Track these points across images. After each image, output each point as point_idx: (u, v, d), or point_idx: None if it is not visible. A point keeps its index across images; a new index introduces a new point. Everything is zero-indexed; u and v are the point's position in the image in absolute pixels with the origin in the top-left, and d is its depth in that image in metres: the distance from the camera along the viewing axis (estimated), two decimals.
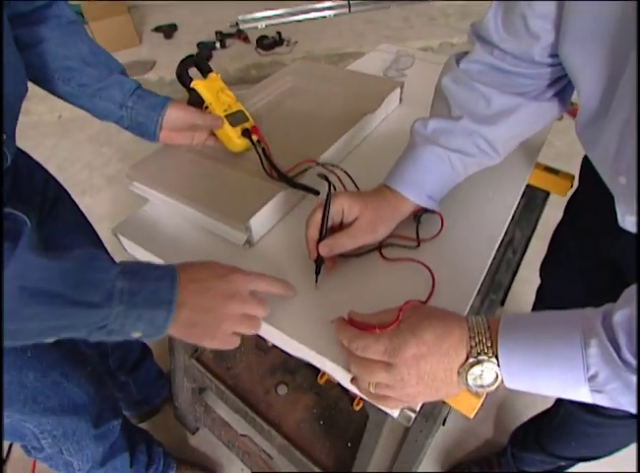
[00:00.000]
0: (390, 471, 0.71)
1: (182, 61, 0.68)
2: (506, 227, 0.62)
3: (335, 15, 3.11)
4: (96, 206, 1.97)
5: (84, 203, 2.07)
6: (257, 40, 2.77)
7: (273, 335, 0.51)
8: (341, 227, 0.54)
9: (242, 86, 2.61)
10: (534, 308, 1.02)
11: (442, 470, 1.12)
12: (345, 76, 0.90)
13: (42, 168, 0.73)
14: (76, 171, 2.17)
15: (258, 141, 0.67)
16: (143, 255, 0.61)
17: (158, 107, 0.64)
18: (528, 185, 0.73)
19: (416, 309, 0.43)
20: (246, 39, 2.84)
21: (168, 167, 0.67)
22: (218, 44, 2.80)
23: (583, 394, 0.35)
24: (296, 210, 0.65)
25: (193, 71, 0.69)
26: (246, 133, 0.66)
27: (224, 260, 0.57)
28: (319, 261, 0.53)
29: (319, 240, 0.52)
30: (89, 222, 0.84)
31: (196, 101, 0.67)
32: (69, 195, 0.78)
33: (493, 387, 0.38)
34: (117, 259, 0.43)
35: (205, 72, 0.69)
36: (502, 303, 1.28)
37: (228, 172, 0.64)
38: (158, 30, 3.02)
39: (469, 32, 0.56)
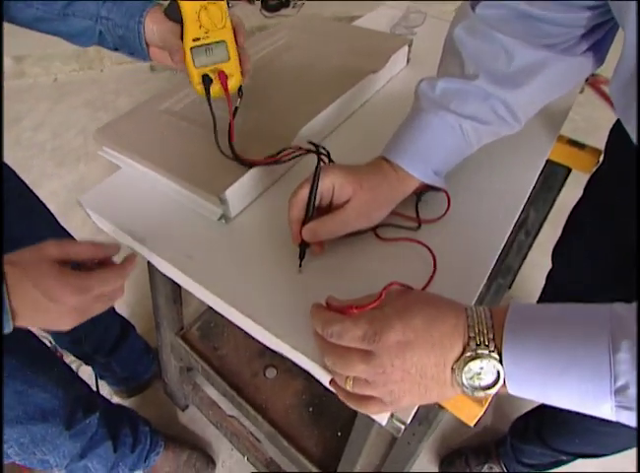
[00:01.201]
0: (379, 471, 0.66)
1: None
2: (522, 207, 0.54)
3: None
4: (90, 174, 1.90)
5: (78, 171, 2.02)
6: (262, 1, 2.61)
7: (247, 325, 0.45)
8: (330, 207, 0.46)
9: None
10: (543, 294, 0.96)
11: (438, 455, 1.09)
12: (347, 32, 0.80)
13: None
14: (70, 138, 2.09)
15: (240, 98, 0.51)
16: (110, 229, 0.54)
17: (136, 13, 0.50)
18: (548, 160, 0.64)
19: (405, 293, 0.37)
20: (251, 0, 2.69)
21: (141, 129, 0.59)
22: None
23: (605, 411, 0.29)
24: (282, 181, 0.58)
25: None
26: (206, 80, 0.49)
27: (199, 237, 0.51)
28: (303, 245, 0.46)
29: (304, 222, 0.45)
30: (39, 200, 0.76)
31: (175, 17, 0.49)
32: (14, 173, 0.71)
33: (492, 391, 0.31)
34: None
35: None
36: (509, 286, 1.21)
37: (206, 137, 0.56)
38: None
39: None
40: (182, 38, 0.49)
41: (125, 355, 1.04)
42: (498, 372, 0.31)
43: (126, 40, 0.52)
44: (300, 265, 0.46)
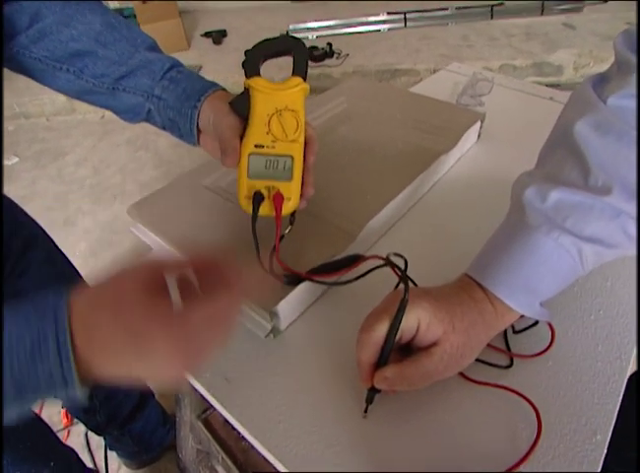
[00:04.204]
0: None
1: (267, 40, 0.41)
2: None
3: (389, 29, 2.96)
4: (124, 214, 1.89)
5: (113, 209, 2.02)
6: None
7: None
8: (408, 343, 0.37)
9: None
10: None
11: None
12: (410, 100, 0.73)
13: (9, 206, 0.58)
14: (109, 175, 2.11)
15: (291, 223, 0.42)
16: None
17: (193, 97, 0.43)
18: None
19: None
20: None
21: (180, 207, 0.52)
22: None
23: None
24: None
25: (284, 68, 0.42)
26: (257, 198, 0.40)
27: (240, 354, 0.42)
28: (373, 391, 0.36)
29: (377, 363, 0.35)
30: (70, 266, 0.70)
31: (240, 111, 0.41)
32: (46, 235, 0.65)
33: None
34: None
35: (295, 70, 0.41)
36: None
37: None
38: (207, 35, 2.98)
39: (619, 42, 0.37)
40: (241, 139, 0.40)
41: (140, 427, 0.95)
42: None
43: (176, 123, 0.45)
44: (366, 410, 0.36)
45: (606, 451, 0.35)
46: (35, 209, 1.81)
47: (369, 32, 2.94)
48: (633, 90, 0.35)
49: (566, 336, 0.43)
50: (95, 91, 0.45)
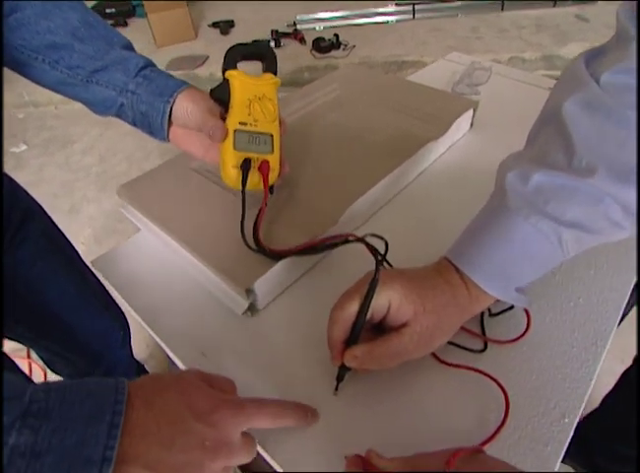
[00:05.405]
0: None
1: (242, 44, 0.48)
2: (617, 323, 0.43)
3: (397, 21, 2.93)
4: None
5: (117, 198, 2.04)
6: (313, 42, 2.65)
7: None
8: (380, 323, 0.37)
9: (293, 89, 2.49)
10: (614, 394, 0.83)
11: None
12: (404, 88, 0.73)
13: (8, 180, 0.59)
14: (115, 163, 2.13)
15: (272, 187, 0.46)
16: (120, 301, 0.48)
17: (166, 93, 0.46)
18: None
19: (472, 463, 0.28)
20: (302, 40, 2.73)
21: (168, 189, 0.53)
22: (272, 43, 2.70)
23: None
24: (320, 266, 0.49)
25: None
26: (245, 165, 0.44)
27: (217, 330, 0.43)
28: (344, 369, 0.37)
29: (348, 342, 0.36)
30: (66, 241, 0.71)
31: (221, 97, 0.46)
32: (42, 210, 0.66)
33: None
34: None
35: (266, 69, 0.48)
36: None
37: (240, 207, 0.49)
38: (214, 25, 2.97)
39: (621, 11, 0.34)
40: (224, 120, 0.45)
41: None
42: None
43: (147, 117, 0.47)
44: (337, 388, 0.37)
45: (594, 448, 0.35)
46: (42, 196, 1.83)
47: (377, 23, 2.91)
48: (630, 64, 0.33)
49: (544, 322, 0.44)
50: (68, 82, 0.46)
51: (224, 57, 0.46)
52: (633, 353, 0.76)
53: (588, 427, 0.88)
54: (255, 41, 2.73)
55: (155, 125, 0.47)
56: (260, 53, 0.48)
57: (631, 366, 0.78)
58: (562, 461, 0.34)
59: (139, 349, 1.23)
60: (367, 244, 0.38)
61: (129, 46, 0.49)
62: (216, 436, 0.28)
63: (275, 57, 0.48)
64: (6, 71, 0.47)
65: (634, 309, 0.69)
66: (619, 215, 0.35)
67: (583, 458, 0.90)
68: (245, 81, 0.46)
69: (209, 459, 0.28)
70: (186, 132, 0.48)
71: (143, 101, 0.46)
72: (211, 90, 0.46)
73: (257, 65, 0.49)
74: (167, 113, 0.46)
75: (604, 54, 0.37)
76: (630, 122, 0.32)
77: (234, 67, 0.46)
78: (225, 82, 0.46)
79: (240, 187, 0.44)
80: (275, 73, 0.48)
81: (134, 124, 0.49)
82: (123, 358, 0.87)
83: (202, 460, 0.27)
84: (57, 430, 0.24)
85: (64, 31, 0.44)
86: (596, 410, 0.89)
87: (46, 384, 0.26)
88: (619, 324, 0.45)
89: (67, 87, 0.47)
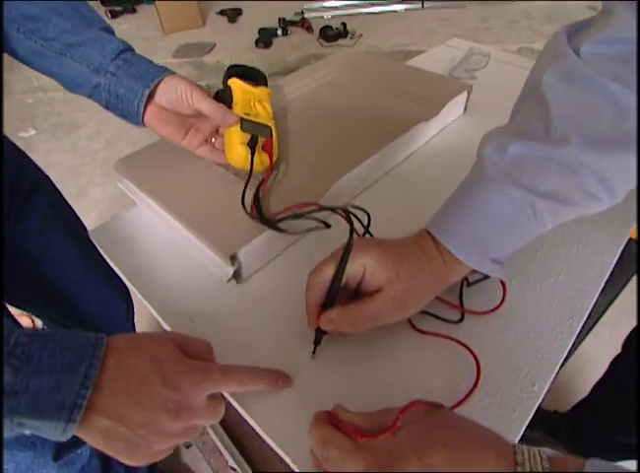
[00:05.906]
0: None
1: (233, 66, 0.56)
2: (594, 302, 0.44)
3: (406, 10, 2.91)
4: None
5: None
6: (320, 30, 2.64)
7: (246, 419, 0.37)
8: (356, 290, 0.38)
9: None
10: (603, 382, 0.84)
11: None
12: (400, 72, 0.73)
13: (16, 150, 0.61)
14: (121, 148, 2.16)
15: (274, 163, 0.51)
16: (115, 268, 0.50)
17: (147, 77, 0.47)
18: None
19: (430, 416, 0.29)
20: (309, 29, 2.72)
21: (163, 164, 0.54)
22: (279, 31, 2.70)
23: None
24: (305, 241, 0.51)
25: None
26: (252, 142, 0.49)
27: (205, 297, 0.45)
28: (320, 333, 0.38)
29: (324, 306, 0.37)
30: (73, 214, 0.73)
31: (223, 97, 0.52)
32: (50, 182, 0.68)
33: None
34: None
35: (259, 84, 0.55)
36: None
37: (229, 182, 0.51)
38: (222, 13, 2.98)
39: None
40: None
41: None
42: None
43: (122, 100, 0.48)
44: (314, 351, 0.38)
45: (590, 437, 0.36)
46: None
47: (386, 12, 2.89)
48: (611, 33, 0.33)
49: (523, 297, 0.45)
50: (42, 53, 0.46)
51: (227, 70, 0.55)
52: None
53: (582, 416, 0.89)
54: (261, 29, 2.73)
55: (131, 108, 0.48)
56: (252, 74, 0.56)
57: (620, 353, 0.79)
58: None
59: (141, 327, 1.26)
60: (341, 213, 0.39)
61: (110, 31, 0.50)
62: (179, 399, 0.30)
63: (265, 78, 0.57)
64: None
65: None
66: (595, 186, 0.35)
67: (579, 448, 0.91)
68: (245, 87, 0.53)
69: (170, 419, 0.30)
70: (164, 116, 0.50)
71: (122, 83, 0.47)
72: (215, 94, 0.52)
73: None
74: (145, 98, 0.47)
75: (585, 28, 0.37)
76: (608, 92, 0.33)
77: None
78: (228, 87, 0.53)
79: (247, 166, 0.49)
80: (266, 86, 0.56)
81: (106, 107, 0.50)
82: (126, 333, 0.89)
83: (163, 419, 0.30)
84: (35, 372, 0.26)
85: (43, 5, 0.45)
86: (586, 398, 0.90)
87: (34, 331, 0.28)
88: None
89: (40, 59, 0.47)
